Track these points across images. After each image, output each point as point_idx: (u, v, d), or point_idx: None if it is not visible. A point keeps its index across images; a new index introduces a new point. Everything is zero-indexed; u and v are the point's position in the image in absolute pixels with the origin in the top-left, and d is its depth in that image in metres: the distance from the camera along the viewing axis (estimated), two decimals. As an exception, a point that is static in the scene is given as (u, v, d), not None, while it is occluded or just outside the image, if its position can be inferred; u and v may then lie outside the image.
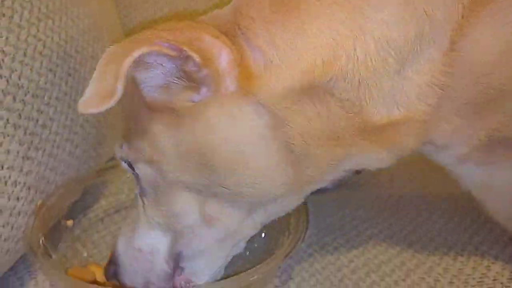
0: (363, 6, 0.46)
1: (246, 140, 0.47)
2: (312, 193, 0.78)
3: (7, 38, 0.59)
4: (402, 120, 0.49)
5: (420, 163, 0.84)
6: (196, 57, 0.43)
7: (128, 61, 0.41)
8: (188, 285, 0.56)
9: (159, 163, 0.50)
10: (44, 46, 0.64)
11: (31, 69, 0.61)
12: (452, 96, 0.49)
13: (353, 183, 0.84)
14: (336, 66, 0.46)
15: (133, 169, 0.53)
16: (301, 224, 0.61)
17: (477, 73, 0.48)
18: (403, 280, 0.63)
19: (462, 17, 0.46)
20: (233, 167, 0.48)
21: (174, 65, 0.45)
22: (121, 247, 0.58)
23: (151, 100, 0.48)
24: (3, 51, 0.58)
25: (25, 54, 0.61)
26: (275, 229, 0.65)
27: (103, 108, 0.41)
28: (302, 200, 0.58)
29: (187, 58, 0.43)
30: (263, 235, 0.67)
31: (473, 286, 0.62)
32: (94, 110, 0.42)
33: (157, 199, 0.53)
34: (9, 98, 0.57)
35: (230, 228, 0.54)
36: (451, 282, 0.62)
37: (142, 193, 0.55)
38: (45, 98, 0.63)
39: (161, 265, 0.56)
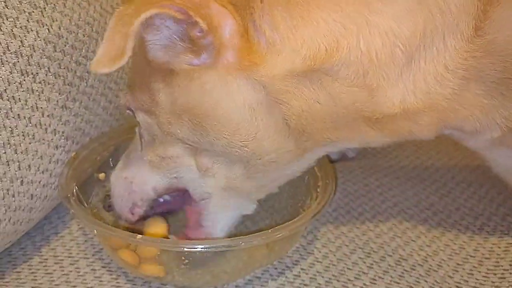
0: (371, 0, 0.47)
1: (237, 110, 0.49)
2: (339, 160, 0.80)
3: (48, -12, 0.60)
4: (420, 108, 0.50)
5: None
6: (202, 24, 0.44)
7: (137, 22, 0.43)
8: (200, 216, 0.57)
9: (156, 115, 0.52)
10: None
11: (70, 20, 0.62)
12: (478, 77, 0.49)
13: (379, 152, 0.84)
14: (338, 55, 0.47)
15: (134, 115, 0.56)
16: (329, 187, 0.61)
17: (503, 52, 0.48)
18: (428, 245, 0.64)
19: (483, 3, 0.47)
20: (222, 130, 0.50)
21: (180, 29, 0.47)
22: (112, 178, 0.61)
23: (154, 58, 0.50)
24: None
25: (65, 5, 0.62)
26: (303, 192, 0.66)
27: (113, 68, 0.44)
28: (307, 165, 0.58)
29: (194, 23, 0.45)
30: (289, 198, 0.68)
31: (499, 254, 0.62)
32: (105, 70, 0.44)
33: (154, 144, 0.55)
34: (50, 46, 0.59)
35: (226, 179, 0.55)
36: (476, 250, 0.63)
37: (141, 135, 0.57)
38: (83, 50, 0.64)
39: (146, 191, 0.58)
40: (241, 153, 0.51)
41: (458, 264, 0.61)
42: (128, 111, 0.56)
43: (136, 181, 0.58)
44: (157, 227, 0.60)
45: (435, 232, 0.66)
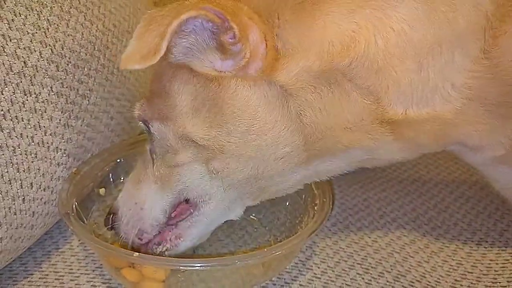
0: (380, 3, 0.49)
1: (257, 104, 0.51)
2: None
3: (51, 8, 0.61)
4: (423, 119, 0.51)
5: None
6: (237, 30, 0.46)
7: (177, 22, 0.44)
8: (177, 240, 0.58)
9: (172, 119, 0.53)
10: (85, 18, 0.66)
11: (73, 40, 0.63)
12: (480, 98, 0.51)
13: (377, 167, 0.84)
14: (355, 51, 0.49)
15: (148, 127, 0.56)
16: (326, 205, 0.62)
17: (506, 77, 0.50)
18: (426, 261, 0.64)
19: (491, 28, 0.49)
20: (242, 120, 0.51)
21: (210, 33, 0.48)
22: (121, 203, 0.60)
23: (177, 61, 0.51)
24: (48, 20, 0.60)
25: (67, 25, 0.63)
26: (301, 209, 0.67)
27: (145, 64, 0.45)
28: (310, 177, 0.59)
29: (228, 28, 0.46)
30: (287, 214, 0.69)
31: (496, 271, 0.63)
32: (136, 66, 0.45)
33: (165, 155, 0.56)
34: (53, 66, 0.60)
35: (233, 181, 0.56)
36: (474, 266, 0.63)
37: (152, 150, 0.57)
38: (85, 69, 0.65)
39: (156, 217, 0.58)
40: (259, 142, 0.53)
41: (456, 280, 0.61)
42: (141, 123, 0.57)
43: (146, 207, 0.58)
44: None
45: (433, 247, 0.67)
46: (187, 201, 0.58)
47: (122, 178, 0.74)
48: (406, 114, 0.51)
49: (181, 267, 0.52)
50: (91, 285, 0.60)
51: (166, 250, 0.59)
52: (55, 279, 0.61)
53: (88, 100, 0.66)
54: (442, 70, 0.50)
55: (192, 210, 0.58)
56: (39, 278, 0.61)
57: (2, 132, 0.54)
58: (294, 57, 0.50)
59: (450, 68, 0.50)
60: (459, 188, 0.78)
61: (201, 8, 0.45)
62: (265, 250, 0.53)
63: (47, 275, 0.61)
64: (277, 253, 0.54)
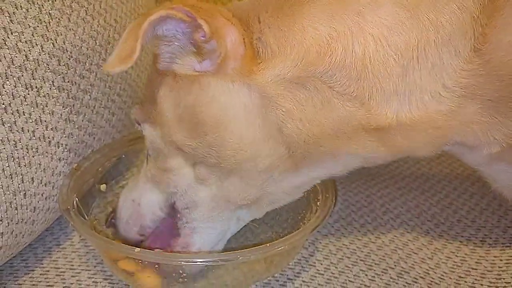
0: (359, 7, 0.49)
1: (235, 114, 0.51)
2: None
3: (53, 2, 0.61)
4: (415, 123, 0.50)
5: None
6: (205, 26, 0.47)
7: (147, 22, 0.47)
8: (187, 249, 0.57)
9: (160, 124, 0.54)
10: (86, 13, 0.66)
11: (74, 34, 0.63)
12: (476, 95, 0.50)
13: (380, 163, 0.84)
14: (331, 58, 0.49)
15: (141, 130, 0.57)
16: (329, 201, 0.62)
17: (500, 72, 0.49)
18: (430, 258, 0.64)
19: (480, 25, 0.48)
20: (220, 133, 0.51)
21: (186, 35, 0.50)
22: (121, 201, 0.61)
23: (162, 67, 0.53)
24: (50, 14, 0.60)
25: (69, 20, 0.63)
26: (303, 205, 0.66)
27: (122, 67, 0.47)
28: (304, 185, 0.59)
29: (198, 26, 0.47)
30: (290, 210, 0.69)
31: (500, 267, 0.62)
32: (117, 69, 0.47)
33: (156, 158, 0.56)
34: (54, 60, 0.59)
35: (219, 189, 0.55)
36: (478, 263, 0.63)
37: (148, 152, 0.58)
38: (87, 64, 0.65)
39: (154, 212, 0.59)
40: (237, 157, 0.52)
41: (460, 277, 0.61)
42: (137, 125, 0.58)
43: (143, 203, 0.59)
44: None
45: (437, 244, 0.66)
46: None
47: (124, 175, 0.74)
48: (397, 118, 0.50)
49: (182, 263, 0.52)
50: (92, 281, 0.59)
51: None
52: (56, 275, 0.60)
53: (90, 95, 0.66)
54: (430, 72, 0.49)
55: (179, 216, 0.58)
56: (40, 274, 0.60)
57: (3, 126, 0.54)
58: (272, 61, 0.50)
59: (439, 70, 0.49)
60: (462, 184, 0.78)
61: (171, 8, 0.47)
62: (268, 245, 0.53)
63: (48, 271, 0.61)
64: (280, 248, 0.53)
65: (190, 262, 0.52)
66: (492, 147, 0.54)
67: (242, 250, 0.53)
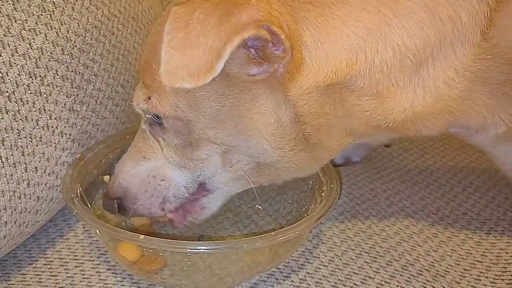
0: (390, 14, 0.49)
1: (274, 122, 0.51)
2: (343, 165, 0.80)
3: (57, -9, 0.60)
4: (429, 110, 0.52)
5: (453, 137, 0.84)
6: (286, 44, 0.45)
7: (235, 42, 0.41)
8: (202, 211, 0.60)
9: (193, 121, 0.52)
10: (90, 3, 0.65)
11: (78, 24, 0.63)
12: (484, 78, 0.52)
13: (384, 157, 0.84)
14: (356, 67, 0.50)
15: (158, 121, 0.54)
16: (333, 191, 0.61)
17: (507, 56, 0.51)
18: (435, 250, 0.63)
19: (490, 10, 0.49)
20: (256, 135, 0.52)
21: (256, 45, 0.46)
22: (130, 177, 0.58)
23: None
24: (53, 2, 0.59)
25: (73, 9, 0.62)
26: (307, 197, 0.67)
27: (196, 84, 0.41)
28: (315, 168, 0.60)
29: (278, 42, 0.45)
30: (294, 203, 0.69)
31: (506, 260, 0.62)
32: (186, 84, 0.41)
33: (183, 147, 0.55)
34: (58, 49, 0.59)
35: (245, 173, 0.57)
36: (483, 255, 0.63)
37: (157, 134, 0.56)
38: (90, 53, 0.64)
39: (179, 189, 0.58)
40: (267, 157, 0.54)
41: (465, 269, 0.61)
42: (145, 113, 0.55)
43: (166, 180, 0.58)
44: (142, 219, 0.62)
45: (442, 237, 0.66)
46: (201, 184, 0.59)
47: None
48: (413, 109, 0.52)
49: (187, 250, 0.51)
50: (96, 272, 0.59)
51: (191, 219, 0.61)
52: (60, 265, 0.60)
53: (93, 86, 0.65)
54: (443, 62, 0.50)
55: (205, 193, 0.59)
56: (44, 264, 0.60)
57: (7, 114, 0.54)
58: (307, 72, 0.49)
59: (451, 58, 0.50)
60: (467, 177, 0.77)
61: (260, 26, 0.43)
62: (273, 233, 0.52)
63: (51, 261, 0.61)
64: (285, 237, 0.53)
65: (195, 249, 0.52)
66: (499, 127, 0.55)
67: (248, 238, 0.53)
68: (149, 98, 0.53)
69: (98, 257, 0.61)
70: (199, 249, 0.51)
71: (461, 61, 0.50)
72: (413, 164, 0.81)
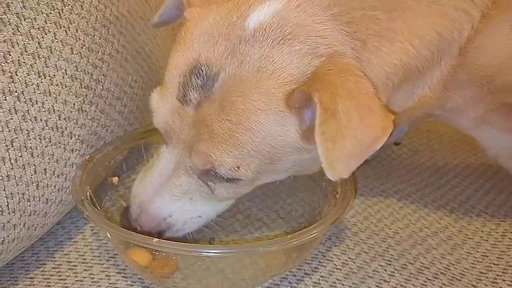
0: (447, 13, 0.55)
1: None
2: None
3: (66, -10, 0.59)
4: (426, 100, 0.59)
5: (461, 135, 0.84)
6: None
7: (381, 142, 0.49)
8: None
9: (262, 177, 0.56)
10: (99, 2, 0.64)
11: (87, 23, 0.61)
12: (454, 83, 0.60)
13: (394, 159, 0.83)
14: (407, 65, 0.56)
15: (207, 179, 0.55)
16: (348, 193, 0.60)
17: (480, 73, 0.58)
18: (450, 254, 0.62)
19: (474, 30, 0.57)
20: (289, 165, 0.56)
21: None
22: (177, 216, 0.58)
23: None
24: (63, 1, 0.58)
25: (82, 7, 0.61)
26: (320, 199, 0.65)
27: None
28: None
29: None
30: (305, 205, 0.68)
31: (522, 263, 0.61)
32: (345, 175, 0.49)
33: (234, 189, 0.58)
34: (67, 48, 0.58)
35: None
36: (499, 258, 0.62)
37: (209, 180, 0.56)
38: (99, 53, 0.63)
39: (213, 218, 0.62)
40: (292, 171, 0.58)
41: (481, 272, 0.60)
42: (192, 172, 0.56)
43: (204, 216, 0.61)
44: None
45: (457, 239, 0.65)
46: None
47: (136, 168, 0.72)
48: (420, 100, 0.59)
49: (202, 254, 0.50)
50: (106, 275, 0.58)
51: None
52: (68, 268, 0.59)
53: (102, 86, 0.64)
54: (433, 71, 0.58)
55: None
56: (52, 267, 0.59)
57: (17, 114, 0.52)
58: None
59: (438, 69, 0.58)
60: (479, 179, 0.76)
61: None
62: (289, 237, 0.51)
63: (60, 264, 0.59)
64: (301, 240, 0.52)
65: (209, 253, 0.50)
66: (476, 111, 0.63)
67: (264, 242, 0.52)
68: (238, 167, 0.52)
69: (107, 260, 0.60)
70: (214, 252, 0.50)
71: (443, 71, 0.58)
72: (424, 166, 0.80)
